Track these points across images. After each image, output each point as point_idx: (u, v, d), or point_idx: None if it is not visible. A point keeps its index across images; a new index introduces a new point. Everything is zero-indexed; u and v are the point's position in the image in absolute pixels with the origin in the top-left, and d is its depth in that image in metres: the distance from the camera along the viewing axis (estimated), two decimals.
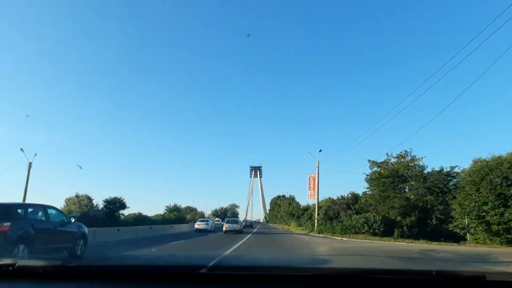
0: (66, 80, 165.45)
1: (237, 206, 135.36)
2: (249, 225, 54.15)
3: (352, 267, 2.60)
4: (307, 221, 39.08)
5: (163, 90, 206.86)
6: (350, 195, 35.20)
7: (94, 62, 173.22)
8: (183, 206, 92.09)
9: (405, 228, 25.25)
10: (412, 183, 26.75)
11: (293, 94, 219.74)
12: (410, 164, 28.52)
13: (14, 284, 2.26)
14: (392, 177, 27.65)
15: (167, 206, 76.81)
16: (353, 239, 23.15)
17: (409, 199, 26.07)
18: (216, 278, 2.19)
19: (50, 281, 2.28)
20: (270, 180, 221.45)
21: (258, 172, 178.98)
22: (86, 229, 11.45)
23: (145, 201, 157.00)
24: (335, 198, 36.60)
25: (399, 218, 26.03)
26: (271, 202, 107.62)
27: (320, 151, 35.38)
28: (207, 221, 35.67)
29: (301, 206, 57.53)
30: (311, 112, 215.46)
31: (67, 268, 2.48)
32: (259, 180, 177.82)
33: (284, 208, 63.28)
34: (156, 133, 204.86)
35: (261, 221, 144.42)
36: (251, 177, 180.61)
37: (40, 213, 9.63)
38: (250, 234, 27.41)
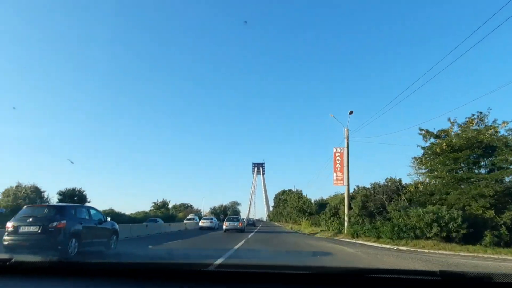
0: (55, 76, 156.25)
1: (238, 204, 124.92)
2: (252, 223, 52.57)
3: (354, 266, 2.65)
4: (330, 218, 28.15)
5: (158, 87, 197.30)
6: (389, 183, 25.20)
7: (84, 58, 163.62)
8: (178, 203, 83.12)
9: (503, 229, 15.39)
10: (508, 157, 16.79)
11: (295, 92, 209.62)
12: (488, 131, 18.62)
13: (11, 279, 2.23)
14: (471, 148, 17.72)
15: (154, 203, 67.13)
16: (448, 252, 13.29)
17: (504, 183, 16.14)
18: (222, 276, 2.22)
19: (47, 276, 2.28)
20: (273, 178, 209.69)
21: (261, 169, 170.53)
22: (117, 226, 12.97)
23: (138, 199, 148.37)
24: (368, 186, 26.56)
25: (489, 214, 16.14)
26: (275, 198, 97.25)
27: (351, 113, 24.95)
28: (211, 219, 36.64)
29: (312, 201, 49.03)
30: (315, 108, 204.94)
31: (64, 264, 2.46)
32: (262, 177, 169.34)
33: (292, 204, 52.51)
34: (152, 128, 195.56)
35: (264, 219, 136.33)
36: (253, 174, 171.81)
37: (84, 213, 11.07)
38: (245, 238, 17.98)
